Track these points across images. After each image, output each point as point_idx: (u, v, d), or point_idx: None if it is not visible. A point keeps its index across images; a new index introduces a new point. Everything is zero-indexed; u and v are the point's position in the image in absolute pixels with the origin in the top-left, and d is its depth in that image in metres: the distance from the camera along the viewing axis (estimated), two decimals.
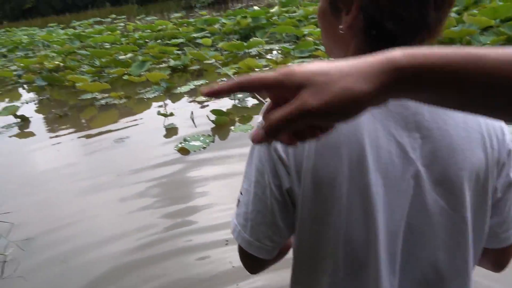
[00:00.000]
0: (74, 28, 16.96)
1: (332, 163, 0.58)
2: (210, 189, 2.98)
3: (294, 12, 10.57)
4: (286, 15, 9.83)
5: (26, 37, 14.38)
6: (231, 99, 4.86)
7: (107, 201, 3.01)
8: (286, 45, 7.14)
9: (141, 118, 4.81)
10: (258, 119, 0.56)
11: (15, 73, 8.35)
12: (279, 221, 0.64)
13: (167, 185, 3.13)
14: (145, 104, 5.28)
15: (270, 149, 0.61)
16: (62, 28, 17.92)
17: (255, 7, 11.95)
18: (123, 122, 4.75)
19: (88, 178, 3.40)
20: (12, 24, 23.76)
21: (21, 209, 3.00)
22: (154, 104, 5.22)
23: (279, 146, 0.60)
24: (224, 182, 3.01)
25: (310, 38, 7.05)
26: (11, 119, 5.22)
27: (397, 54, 0.37)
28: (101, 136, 4.41)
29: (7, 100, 6.74)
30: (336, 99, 0.36)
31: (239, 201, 0.68)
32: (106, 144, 4.09)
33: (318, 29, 7.31)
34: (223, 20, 9.62)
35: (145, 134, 4.20)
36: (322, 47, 6.02)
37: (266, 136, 0.39)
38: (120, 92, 5.72)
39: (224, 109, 4.39)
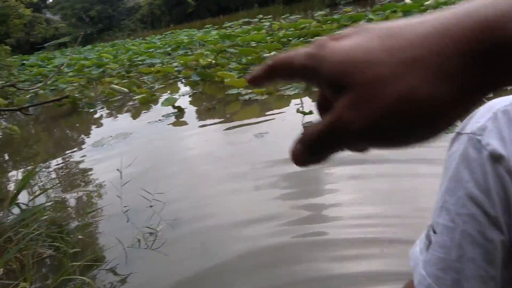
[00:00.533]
0: (225, 28, 18.49)
1: None
2: (342, 188, 2.84)
3: (453, 3, 9.40)
4: (444, 7, 8.81)
5: (186, 37, 16.30)
6: None
7: (243, 189, 3.15)
8: None
9: (280, 114, 4.90)
10: (482, 109, 0.41)
11: (176, 68, 9.52)
12: (504, 275, 0.46)
13: (300, 180, 3.08)
14: (284, 101, 5.37)
15: (498, 167, 0.44)
16: (216, 29, 19.76)
17: (406, 0, 11.08)
18: (263, 117, 4.92)
19: (228, 166, 3.61)
20: (177, 27, 27.33)
21: (172, 189, 3.35)
22: (293, 101, 5.27)
23: None
24: (358, 183, 2.84)
25: None
26: (170, 109, 5.93)
27: (489, 11, 0.21)
28: (242, 129, 4.65)
29: (168, 92, 7.72)
30: (391, 114, 0.21)
31: (430, 242, 0.51)
32: (246, 137, 4.28)
33: None
34: (370, 16, 9.15)
35: (284, 131, 4.25)
36: None
37: (306, 156, 0.28)
38: (263, 88, 5.95)
39: None
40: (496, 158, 0.44)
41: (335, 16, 11.77)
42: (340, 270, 2.07)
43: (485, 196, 0.45)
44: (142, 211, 3.05)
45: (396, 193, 2.71)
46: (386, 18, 8.12)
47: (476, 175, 0.45)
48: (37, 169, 3.45)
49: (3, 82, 11.01)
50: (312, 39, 8.54)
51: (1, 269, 2.16)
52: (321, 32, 8.88)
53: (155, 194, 3.06)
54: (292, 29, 10.94)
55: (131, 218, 3.00)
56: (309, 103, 5.01)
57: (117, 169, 3.28)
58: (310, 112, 4.30)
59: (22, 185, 2.77)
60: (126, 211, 3.10)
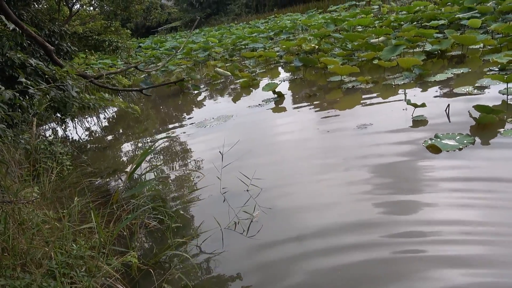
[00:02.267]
0: (330, 12, 17.89)
1: None
2: (450, 194, 2.48)
3: None
4: None
5: (289, 22, 16.17)
6: (502, 93, 3.95)
7: (337, 182, 3.01)
8: None
9: (387, 105, 4.54)
10: None
11: (278, 53, 9.51)
12: None
13: (408, 181, 2.79)
14: (392, 91, 4.96)
15: None
16: (320, 13, 19.24)
17: None
18: (367, 107, 4.61)
19: (327, 158, 3.45)
20: (280, 11, 27.32)
21: (269, 176, 3.31)
22: (402, 91, 4.84)
23: None
24: (468, 191, 2.47)
25: None
26: (270, 94, 5.93)
27: None
28: (344, 118, 4.42)
29: (269, 76, 7.75)
30: None
31: None
32: (348, 127, 4.06)
33: None
34: None
35: (390, 123, 3.92)
36: None
37: None
38: (368, 76, 5.59)
39: (491, 106, 3.59)
40: None
41: None
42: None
43: None
44: (239, 194, 3.09)
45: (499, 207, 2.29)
46: None
47: None
48: (151, 149, 3.71)
49: (124, 63, 12.24)
50: (427, 23, 7.75)
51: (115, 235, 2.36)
52: (438, 15, 8.00)
53: (252, 179, 3.07)
54: (404, 12, 10.08)
55: (228, 200, 3.06)
56: (419, 94, 4.55)
57: (219, 152, 3.36)
58: (423, 105, 3.88)
59: (139, 162, 3.00)
60: (225, 193, 3.17)
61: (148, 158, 4.50)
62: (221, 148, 3.52)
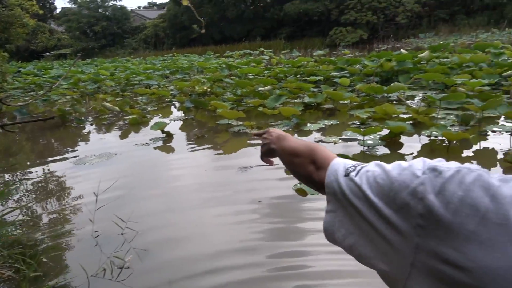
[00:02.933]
0: (226, 57, 18.81)
1: None
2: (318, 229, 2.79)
3: (446, 58, 9.72)
4: (437, 61, 9.10)
5: (186, 62, 16.51)
6: (360, 144, 4.60)
7: (221, 222, 3.11)
8: (432, 93, 6.53)
9: None
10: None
11: (171, 92, 9.59)
12: None
13: (279, 221, 3.05)
14: None
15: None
16: (217, 57, 20.10)
17: (402, 50, 11.43)
18: (250, 151, 4.91)
19: (209, 199, 3.56)
20: (179, 51, 27.75)
21: (148, 217, 3.27)
22: None
23: None
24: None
25: (462, 89, 6.32)
26: (159, 133, 5.91)
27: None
28: (228, 161, 4.64)
29: (160, 115, 7.73)
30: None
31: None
32: (231, 169, 4.26)
33: (474, 80, 6.53)
34: (365, 61, 9.41)
35: (269, 168, 4.23)
36: (474, 100, 5.30)
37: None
38: (253, 122, 5.98)
39: (351, 154, 4.16)
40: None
41: (333, 58, 12.07)
42: None
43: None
44: (113, 238, 2.96)
45: None
46: (380, 66, 8.35)
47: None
48: (10, 188, 3.36)
49: None
50: (307, 78, 8.70)
51: None
52: (317, 72, 9.06)
53: (128, 222, 2.99)
54: (289, 65, 11.16)
55: (100, 244, 2.91)
56: None
57: (94, 193, 3.21)
58: None
59: None
60: (97, 236, 3.01)
61: (14, 197, 4.05)
62: (97, 189, 3.36)
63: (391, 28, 25.65)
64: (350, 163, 0.65)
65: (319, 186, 0.69)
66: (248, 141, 5.32)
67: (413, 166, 0.53)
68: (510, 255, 0.41)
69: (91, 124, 7.54)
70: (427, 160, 0.54)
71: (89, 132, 6.96)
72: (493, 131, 4.69)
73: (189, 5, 2.55)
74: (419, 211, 0.48)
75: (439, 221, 0.46)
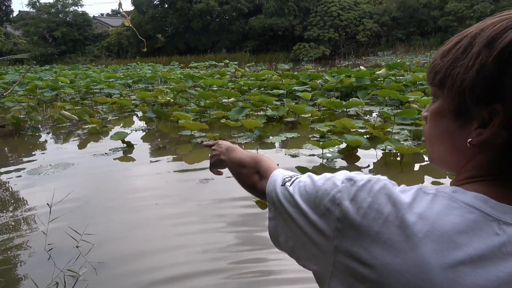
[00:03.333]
0: (191, 68, 18.76)
1: None
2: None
3: (402, 76, 10.25)
4: (393, 78, 9.58)
5: (150, 71, 16.31)
6: (319, 157, 4.75)
7: (183, 236, 3.09)
8: (388, 109, 6.87)
9: None
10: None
11: (133, 102, 9.43)
12: None
13: (240, 234, 3.08)
14: None
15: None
16: (182, 68, 19.99)
17: (362, 67, 11.92)
18: None
19: (169, 210, 3.54)
20: (143, 60, 27.33)
21: (105, 229, 3.21)
22: (244, 150, 5.34)
23: None
24: None
25: (415, 105, 6.69)
26: (119, 143, 5.80)
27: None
28: (190, 172, 4.62)
29: (121, 124, 7.58)
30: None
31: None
32: (192, 181, 4.26)
33: (426, 97, 6.95)
34: (326, 77, 9.73)
35: (230, 179, 4.26)
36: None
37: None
38: (216, 133, 6.01)
39: (310, 167, 4.29)
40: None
41: (296, 72, 12.38)
42: None
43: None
44: (67, 251, 2.87)
45: None
46: (340, 82, 8.68)
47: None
48: None
49: None
50: (271, 91, 8.87)
51: None
52: (280, 85, 9.26)
53: (83, 235, 2.91)
54: (253, 78, 11.32)
55: (54, 257, 2.81)
56: (260, 152, 5.11)
57: (47, 204, 3.10)
58: None
59: None
60: (50, 249, 2.90)
61: None
62: (51, 200, 3.25)
63: (352, 46, 26.68)
64: (287, 174, 0.72)
65: (262, 194, 0.75)
66: (210, 152, 5.33)
67: (335, 176, 0.60)
68: (405, 253, 0.48)
69: (48, 133, 7.26)
70: (347, 172, 0.61)
71: (45, 141, 6.70)
72: None
73: (130, 25, 2.59)
74: (337, 215, 0.55)
75: (351, 223, 0.53)
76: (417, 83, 8.83)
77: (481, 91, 0.51)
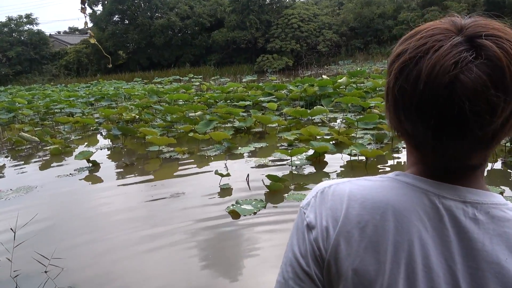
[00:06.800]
0: (155, 84, 18.56)
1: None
2: (255, 257, 2.88)
3: (362, 83, 10.63)
4: (354, 85, 9.91)
5: (112, 89, 15.99)
6: (289, 165, 4.83)
7: (153, 254, 3.03)
8: (351, 115, 7.10)
9: (199, 175, 4.93)
10: (314, 188, 0.66)
11: (97, 120, 9.20)
12: None
13: (215, 246, 3.08)
14: (205, 162, 5.43)
15: (310, 235, 0.62)
16: (145, 83, 19.73)
17: (324, 76, 12.26)
18: (182, 177, 4.90)
19: (141, 229, 3.47)
20: (104, 77, 26.76)
21: (75, 253, 3.10)
22: (214, 162, 5.35)
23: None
24: (270, 255, 2.90)
25: (376, 111, 6.95)
26: (84, 163, 5.64)
27: None
28: (160, 188, 4.56)
29: (85, 143, 7.37)
30: None
31: None
32: (163, 196, 4.20)
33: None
34: (291, 87, 9.93)
35: (201, 191, 4.26)
36: (386, 121, 5.87)
37: None
38: (185, 147, 5.98)
39: (280, 175, 4.35)
40: (310, 228, 0.61)
41: (261, 84, 12.54)
42: None
43: (303, 257, 0.61)
44: (34, 277, 2.76)
45: None
46: (304, 91, 8.88)
47: (299, 241, 0.62)
48: None
49: None
50: (237, 103, 8.94)
51: None
52: (246, 97, 9.35)
53: (51, 259, 2.81)
54: (219, 91, 11.37)
55: (20, 284, 2.69)
56: (228, 165, 5.13)
57: (11, 228, 2.97)
58: (228, 174, 4.40)
59: None
60: (16, 276, 2.78)
61: None
62: (14, 225, 3.11)
63: (314, 56, 27.35)
64: None
65: None
66: (180, 167, 5.30)
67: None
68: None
69: (6, 157, 6.94)
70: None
71: (3, 166, 6.40)
72: (404, 147, 5.23)
73: (95, 42, 2.58)
74: None
75: None
76: (377, 89, 9.19)
77: None
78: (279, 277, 0.64)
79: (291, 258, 0.63)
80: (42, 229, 3.51)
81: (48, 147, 6.93)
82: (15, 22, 34.17)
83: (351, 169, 4.67)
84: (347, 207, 0.60)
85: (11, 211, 4.02)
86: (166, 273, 2.80)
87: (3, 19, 33.81)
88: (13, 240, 2.93)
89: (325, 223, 0.60)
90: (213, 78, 22.02)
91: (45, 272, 2.79)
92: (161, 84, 18.46)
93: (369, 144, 5.37)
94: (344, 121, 7.02)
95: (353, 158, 4.94)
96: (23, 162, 6.48)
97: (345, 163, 4.87)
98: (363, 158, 4.77)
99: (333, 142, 5.45)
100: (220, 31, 28.90)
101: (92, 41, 2.62)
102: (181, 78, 21.72)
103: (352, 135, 5.73)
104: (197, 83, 16.80)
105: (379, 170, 4.53)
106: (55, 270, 2.81)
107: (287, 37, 26.94)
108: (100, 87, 17.96)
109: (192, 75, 21.53)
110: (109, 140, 7.41)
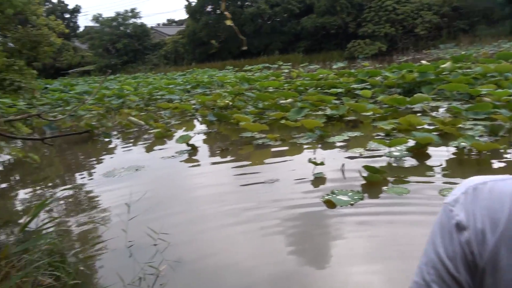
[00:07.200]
0: (245, 71, 19.03)
1: None
2: (348, 247, 2.79)
3: (469, 68, 9.61)
4: (460, 71, 9.00)
5: (206, 77, 16.79)
6: (386, 156, 4.58)
7: (247, 234, 3.13)
8: (457, 104, 6.46)
9: (291, 162, 4.93)
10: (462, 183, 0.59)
11: (193, 106, 9.76)
12: None
13: (306, 234, 3.06)
14: (297, 149, 5.42)
15: (461, 236, 0.55)
16: (236, 71, 20.34)
17: (423, 61, 11.35)
18: (275, 163, 4.95)
19: (236, 211, 3.60)
20: (198, 66, 28.23)
21: (178, 229, 3.33)
22: (306, 150, 5.31)
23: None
24: (365, 246, 2.79)
25: (487, 99, 6.23)
26: (184, 146, 6.02)
27: None
28: (254, 173, 4.66)
29: (184, 128, 7.87)
30: None
31: None
32: (257, 181, 4.29)
33: (499, 90, 6.43)
34: (386, 73, 9.38)
35: (294, 179, 4.26)
36: (503, 110, 5.22)
37: None
38: (276, 134, 6.03)
39: (378, 166, 4.14)
40: (460, 228, 0.55)
41: (352, 70, 12.07)
42: None
43: (450, 260, 0.54)
44: (146, 248, 3.03)
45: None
46: (402, 77, 8.31)
47: (445, 241, 0.56)
48: (50, 199, 3.49)
49: (26, 104, 11.37)
50: (328, 90, 8.73)
51: None
52: (337, 84, 9.08)
53: (160, 234, 3.05)
54: (309, 78, 11.22)
55: (134, 254, 2.97)
56: (321, 153, 5.04)
57: (126, 203, 3.29)
58: (322, 163, 4.32)
59: (35, 213, 2.80)
60: (130, 246, 3.08)
61: (47, 208, 4.18)
62: (128, 200, 3.45)
63: (410, 40, 25.51)
64: None
65: None
66: (272, 153, 5.36)
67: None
68: None
69: (117, 138, 7.73)
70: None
71: (115, 146, 7.14)
72: None
73: (232, 24, 2.66)
74: None
75: None
76: (488, 75, 8.23)
77: None
78: (416, 278, 0.58)
79: (434, 259, 0.56)
80: (150, 206, 3.82)
81: (152, 131, 7.54)
82: (122, 16, 37.70)
83: (458, 164, 4.26)
84: (511, 209, 0.51)
85: (125, 187, 4.46)
86: (256, 254, 2.86)
87: (113, 14, 37.51)
88: (127, 213, 3.25)
89: (480, 225, 0.52)
90: (302, 65, 21.83)
91: (154, 245, 3.04)
92: (251, 71, 18.87)
93: (481, 136, 4.83)
94: (449, 110, 6.42)
95: (461, 151, 4.49)
96: (131, 144, 7.16)
97: (452, 156, 4.45)
98: (473, 152, 4.31)
99: (437, 133, 5.02)
100: (309, 17, 28.44)
101: (229, 22, 2.72)
102: (270, 65, 21.93)
103: (460, 126, 5.21)
104: (286, 70, 16.81)
105: (494, 167, 4.05)
106: (162, 244, 3.04)
107: (381, 20, 25.48)
108: (195, 75, 18.99)
109: (281, 63, 21.59)
110: (205, 125, 7.81)
